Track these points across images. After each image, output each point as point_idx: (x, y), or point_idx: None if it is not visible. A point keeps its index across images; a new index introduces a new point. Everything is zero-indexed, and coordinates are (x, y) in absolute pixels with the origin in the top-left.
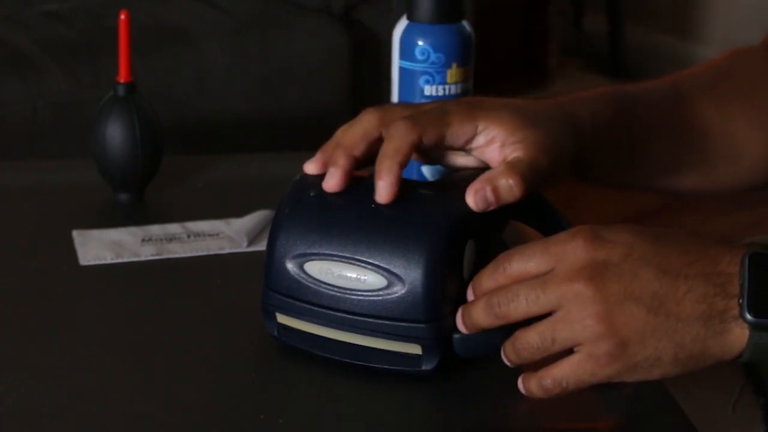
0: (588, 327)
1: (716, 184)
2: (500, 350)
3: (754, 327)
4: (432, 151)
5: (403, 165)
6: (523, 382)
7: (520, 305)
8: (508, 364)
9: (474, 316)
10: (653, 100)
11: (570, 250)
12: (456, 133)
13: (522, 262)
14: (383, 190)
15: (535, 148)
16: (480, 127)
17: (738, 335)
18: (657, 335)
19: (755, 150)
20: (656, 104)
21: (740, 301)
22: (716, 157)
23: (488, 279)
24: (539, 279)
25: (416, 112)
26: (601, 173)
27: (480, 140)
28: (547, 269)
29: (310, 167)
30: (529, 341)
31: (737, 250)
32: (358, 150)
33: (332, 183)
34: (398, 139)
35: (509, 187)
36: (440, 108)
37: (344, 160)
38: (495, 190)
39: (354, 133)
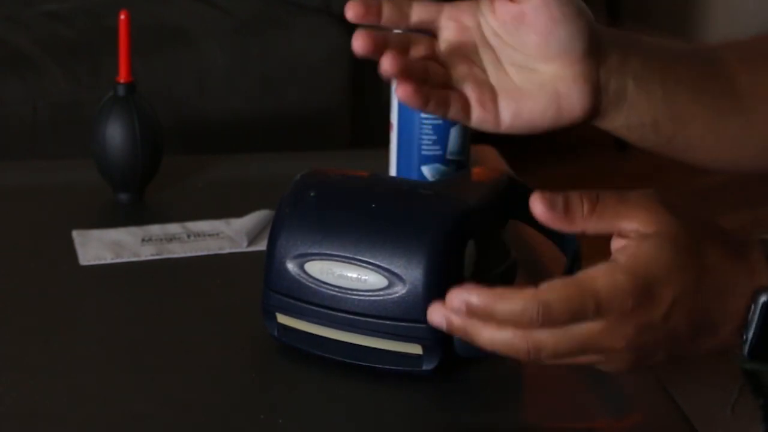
0: (612, 360)
1: (742, 159)
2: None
3: (743, 362)
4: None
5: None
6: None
7: (572, 361)
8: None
9: (504, 339)
10: (692, 60)
11: (616, 310)
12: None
13: (563, 311)
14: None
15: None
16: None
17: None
18: (665, 360)
19: None
20: (694, 61)
21: (743, 337)
22: (749, 128)
23: (521, 314)
24: (593, 343)
25: None
26: (625, 117)
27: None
28: (592, 317)
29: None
30: (558, 359)
31: (758, 276)
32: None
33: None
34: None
35: (579, 203)
36: None
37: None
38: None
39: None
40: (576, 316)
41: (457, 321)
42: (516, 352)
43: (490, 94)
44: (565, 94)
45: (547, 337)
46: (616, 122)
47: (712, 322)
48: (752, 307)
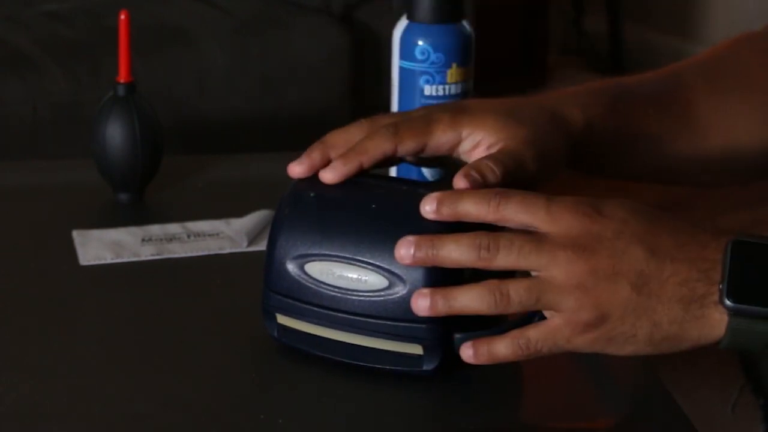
0: (573, 295)
1: (715, 177)
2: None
3: (732, 313)
4: (424, 156)
5: (364, 166)
6: (488, 344)
7: (510, 255)
8: (475, 310)
9: (452, 249)
10: (650, 93)
11: (569, 217)
12: (439, 140)
13: (518, 210)
14: (329, 174)
15: (518, 143)
16: (465, 133)
17: (717, 321)
18: (636, 313)
19: (753, 143)
20: (653, 97)
21: (720, 286)
22: (712, 150)
23: (475, 203)
24: (534, 236)
25: (401, 119)
26: (600, 165)
27: (466, 145)
28: (541, 227)
29: (296, 170)
30: (513, 293)
31: (723, 236)
32: (338, 152)
33: (329, 176)
34: (371, 143)
35: (490, 168)
36: (426, 116)
37: (319, 156)
38: (478, 170)
39: (339, 136)
40: (527, 209)
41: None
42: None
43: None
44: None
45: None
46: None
47: (671, 255)
48: (724, 255)
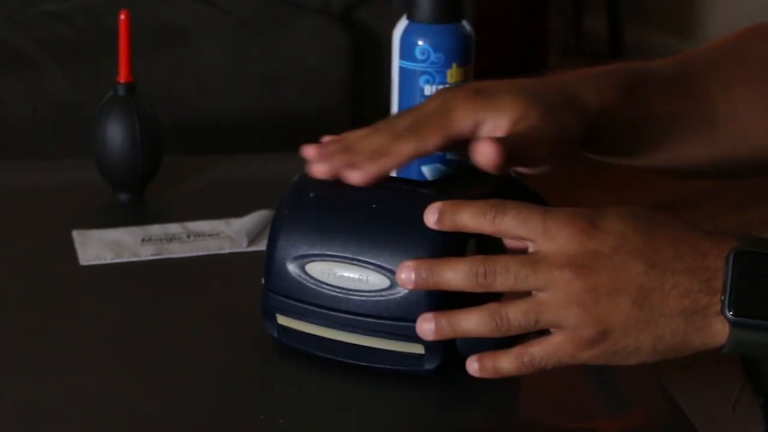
0: (573, 313)
1: (721, 169)
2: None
3: (734, 324)
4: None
5: (390, 170)
6: (494, 360)
7: (507, 280)
8: (478, 333)
9: (450, 276)
10: (662, 79)
11: (565, 233)
12: (459, 129)
13: (514, 224)
14: (356, 175)
15: (532, 124)
16: (483, 116)
17: (719, 330)
18: (638, 327)
19: (761, 133)
20: (665, 83)
21: (722, 297)
22: (722, 140)
23: (473, 216)
24: (530, 258)
25: (418, 117)
26: (613, 149)
27: (486, 129)
28: (537, 241)
29: (319, 170)
30: (512, 317)
31: (725, 244)
32: (361, 157)
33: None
34: (396, 147)
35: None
36: (442, 107)
37: (344, 160)
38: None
39: (361, 141)
40: (523, 225)
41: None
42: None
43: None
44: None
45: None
46: (633, 163)
47: (672, 268)
48: (725, 266)
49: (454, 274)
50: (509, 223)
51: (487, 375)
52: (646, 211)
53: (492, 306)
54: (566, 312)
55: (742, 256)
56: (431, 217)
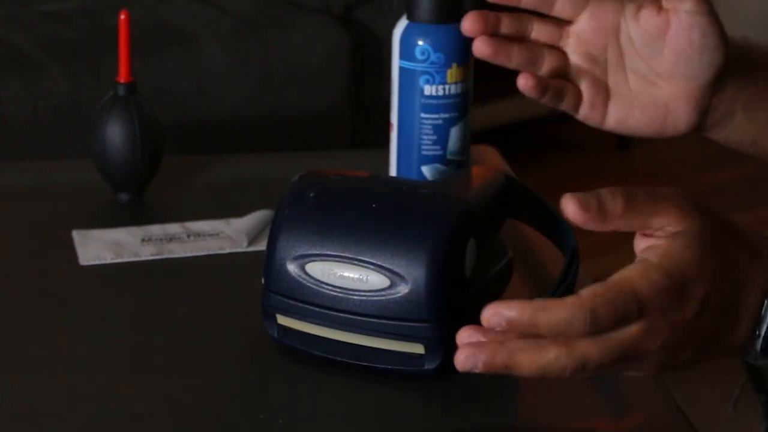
0: (647, 367)
1: None
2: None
3: (755, 359)
4: None
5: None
6: (540, 353)
7: (612, 369)
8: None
9: (549, 361)
10: None
11: (657, 303)
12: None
13: (612, 317)
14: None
15: None
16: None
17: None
18: (685, 364)
19: None
20: None
21: (756, 332)
22: None
23: (567, 324)
24: (635, 346)
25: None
26: (727, 133)
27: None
28: (635, 319)
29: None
30: (600, 370)
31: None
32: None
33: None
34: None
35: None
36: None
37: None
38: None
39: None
40: (621, 319)
41: (497, 355)
42: (561, 371)
43: (603, 95)
44: (674, 111)
45: (591, 348)
46: (716, 135)
47: (734, 319)
48: (765, 302)
49: (556, 362)
50: (608, 320)
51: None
52: (717, 234)
53: (559, 350)
54: (644, 358)
55: None
56: (495, 320)
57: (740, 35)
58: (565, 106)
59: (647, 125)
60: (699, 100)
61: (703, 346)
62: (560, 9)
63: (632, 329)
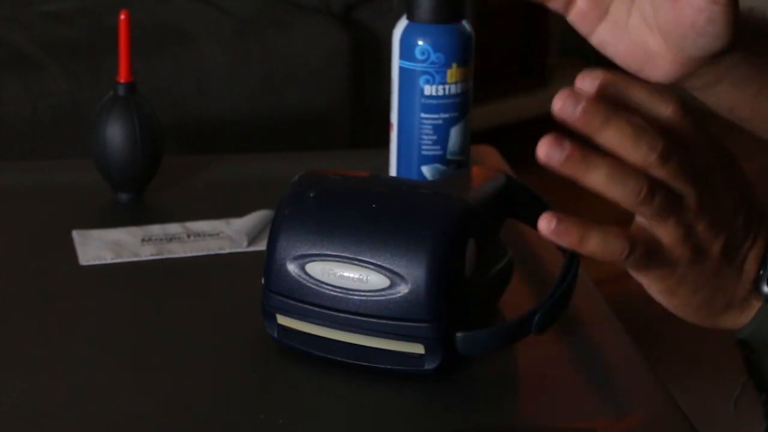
0: (700, 227)
1: None
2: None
3: (766, 301)
4: None
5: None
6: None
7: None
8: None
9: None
10: None
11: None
12: None
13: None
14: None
15: None
16: None
17: (749, 311)
18: (720, 272)
19: None
20: None
21: (761, 272)
22: None
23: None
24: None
25: None
26: (705, 97)
27: None
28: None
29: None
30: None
31: None
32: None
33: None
34: None
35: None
36: None
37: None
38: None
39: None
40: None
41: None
42: (633, 188)
43: (598, 12)
44: (657, 63)
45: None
46: (694, 92)
47: (745, 188)
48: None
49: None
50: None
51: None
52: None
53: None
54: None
55: None
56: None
57: (747, 7)
58: (554, 4)
59: (626, 61)
60: (684, 66)
61: (712, 201)
62: None
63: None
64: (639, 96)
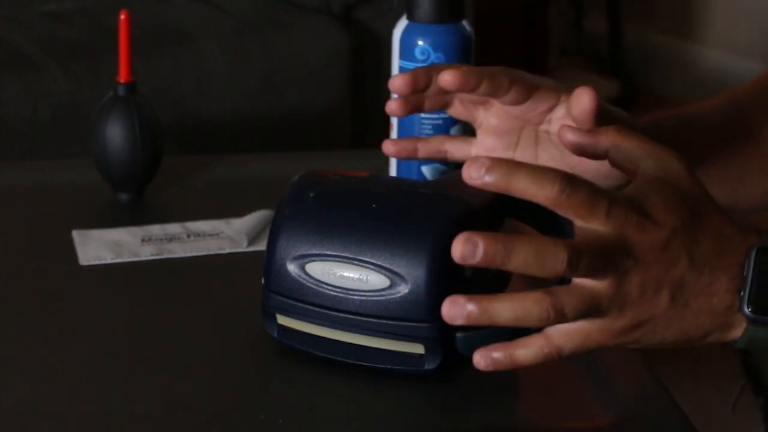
0: (617, 305)
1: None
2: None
3: (751, 321)
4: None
5: (476, 81)
6: (511, 349)
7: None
8: (518, 323)
9: (518, 251)
10: (712, 122)
11: (624, 226)
12: (541, 97)
13: (584, 202)
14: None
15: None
16: (563, 99)
17: (736, 326)
18: (670, 322)
19: None
20: (716, 126)
21: (741, 294)
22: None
23: (535, 182)
24: (597, 240)
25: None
26: None
27: (558, 113)
28: (596, 227)
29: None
30: (568, 308)
31: (750, 239)
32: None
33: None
34: (488, 69)
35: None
36: (537, 77)
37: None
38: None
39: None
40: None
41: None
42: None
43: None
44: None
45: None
46: None
47: (711, 265)
48: (746, 262)
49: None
50: (577, 202)
51: (502, 368)
52: (691, 197)
53: (537, 294)
54: (611, 303)
55: (764, 253)
56: (473, 173)
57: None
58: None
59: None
60: (605, 181)
61: (677, 287)
62: (506, 98)
63: (600, 231)
64: (524, 183)
